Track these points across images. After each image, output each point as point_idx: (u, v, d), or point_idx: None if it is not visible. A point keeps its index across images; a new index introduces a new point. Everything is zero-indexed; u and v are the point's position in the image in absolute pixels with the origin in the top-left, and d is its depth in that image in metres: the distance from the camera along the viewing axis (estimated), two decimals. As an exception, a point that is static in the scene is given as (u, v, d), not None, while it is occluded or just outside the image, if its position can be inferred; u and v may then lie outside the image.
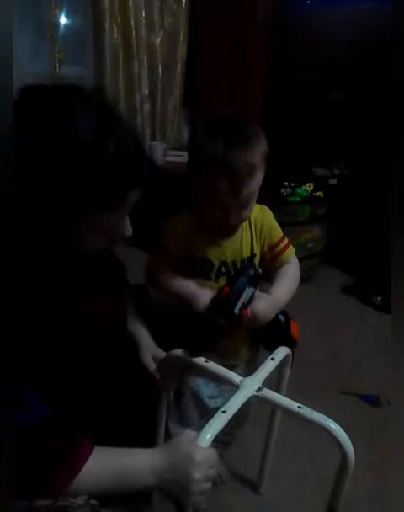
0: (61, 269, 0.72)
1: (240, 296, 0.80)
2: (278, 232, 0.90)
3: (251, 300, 0.82)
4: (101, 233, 0.67)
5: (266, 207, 0.91)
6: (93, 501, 0.64)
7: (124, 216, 0.68)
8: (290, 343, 0.86)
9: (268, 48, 2.25)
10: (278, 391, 0.85)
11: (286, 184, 2.04)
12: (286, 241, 0.91)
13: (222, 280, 0.88)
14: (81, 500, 0.63)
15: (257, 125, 0.81)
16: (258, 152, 0.76)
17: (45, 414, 0.64)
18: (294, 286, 0.89)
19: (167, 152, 2.31)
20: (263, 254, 0.91)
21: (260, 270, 0.91)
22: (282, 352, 0.86)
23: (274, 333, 0.86)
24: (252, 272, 0.84)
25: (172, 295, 0.87)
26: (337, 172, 2.18)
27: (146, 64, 2.33)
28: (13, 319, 0.60)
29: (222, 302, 0.80)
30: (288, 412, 0.73)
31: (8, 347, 0.58)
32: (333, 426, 0.68)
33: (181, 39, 2.38)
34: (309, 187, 2.06)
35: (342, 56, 2.06)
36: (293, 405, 0.72)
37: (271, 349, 0.86)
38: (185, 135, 2.54)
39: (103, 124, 0.60)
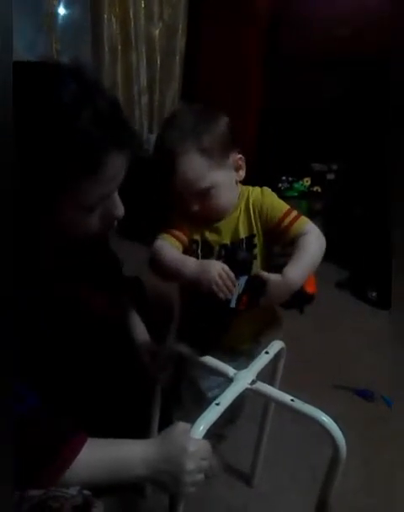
0: (57, 261, 0.72)
1: (235, 298, 0.77)
2: (281, 206, 0.87)
3: (249, 285, 0.78)
4: (90, 210, 0.64)
5: (267, 188, 0.91)
6: (85, 491, 0.65)
7: (110, 190, 0.65)
8: (306, 300, 0.83)
9: (268, 41, 2.24)
10: (271, 384, 0.85)
11: (284, 178, 2.05)
12: (294, 213, 0.86)
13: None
14: (73, 490, 0.63)
15: (217, 118, 0.83)
16: (193, 138, 0.79)
17: (38, 405, 0.64)
18: (312, 258, 0.82)
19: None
20: (268, 232, 0.88)
21: (256, 251, 0.88)
22: (276, 346, 0.87)
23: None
24: (239, 258, 0.82)
25: (182, 278, 0.83)
26: (334, 167, 2.18)
27: (144, 55, 2.31)
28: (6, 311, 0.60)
29: (217, 302, 0.77)
30: (281, 405, 0.73)
31: (4, 339, 0.58)
32: (325, 419, 0.69)
33: (180, 30, 2.36)
34: (306, 182, 2.06)
35: (341, 51, 2.06)
36: (286, 398, 0.72)
37: (287, 307, 0.85)
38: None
39: (80, 91, 0.59)
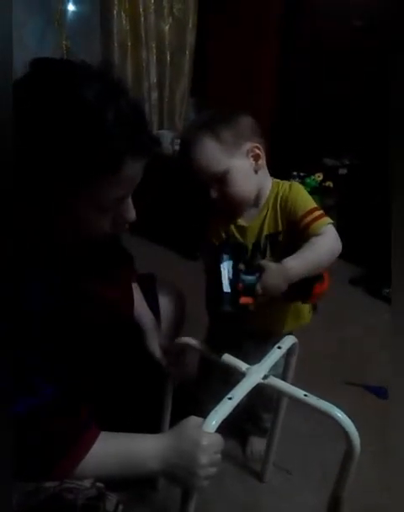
0: (69, 256, 0.72)
1: (226, 282, 0.77)
2: (304, 205, 0.87)
3: (248, 272, 0.78)
4: (103, 211, 0.65)
5: (296, 183, 0.92)
6: (98, 484, 0.65)
7: (125, 193, 0.66)
8: (307, 292, 0.86)
9: (280, 35, 2.22)
10: (284, 379, 0.85)
11: (295, 173, 2.03)
12: (317, 213, 0.86)
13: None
14: (87, 483, 0.64)
15: (235, 113, 0.87)
16: (206, 127, 0.83)
17: (53, 398, 0.64)
18: (316, 257, 0.83)
19: (175, 141, 2.29)
20: (292, 229, 0.88)
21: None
22: (289, 341, 0.86)
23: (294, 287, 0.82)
24: (227, 251, 0.81)
25: None
26: (347, 162, 2.15)
27: (154, 51, 2.30)
28: (24, 304, 0.61)
29: (218, 297, 0.78)
30: (294, 399, 0.73)
31: (18, 330, 0.59)
32: (339, 414, 0.68)
33: (190, 25, 2.34)
34: (318, 177, 2.04)
35: (355, 44, 2.03)
36: (299, 393, 0.72)
37: (287, 300, 0.89)
38: (193, 124, 2.51)
39: (106, 93, 0.60)
